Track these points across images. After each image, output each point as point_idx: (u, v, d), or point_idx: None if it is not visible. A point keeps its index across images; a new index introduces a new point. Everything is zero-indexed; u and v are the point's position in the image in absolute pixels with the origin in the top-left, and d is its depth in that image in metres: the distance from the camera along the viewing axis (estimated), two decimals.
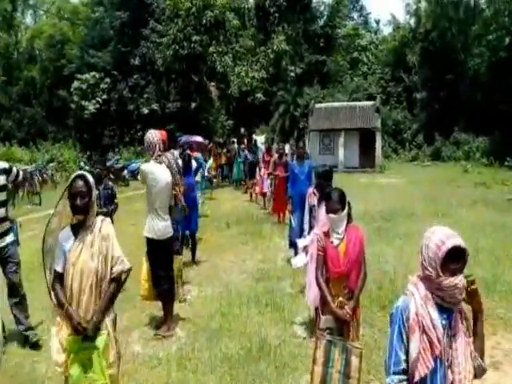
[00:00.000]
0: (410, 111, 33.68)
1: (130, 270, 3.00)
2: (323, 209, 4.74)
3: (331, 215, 3.46)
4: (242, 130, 31.16)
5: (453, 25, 31.14)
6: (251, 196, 14.37)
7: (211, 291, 6.09)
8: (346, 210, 3.52)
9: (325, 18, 33.75)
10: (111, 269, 2.87)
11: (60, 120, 33.92)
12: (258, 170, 13.71)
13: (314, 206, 5.70)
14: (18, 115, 35.04)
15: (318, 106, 27.29)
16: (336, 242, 3.45)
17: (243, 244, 8.85)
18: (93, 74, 28.95)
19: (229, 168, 20.08)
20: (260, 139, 23.03)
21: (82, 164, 19.63)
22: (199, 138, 10.50)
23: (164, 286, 4.74)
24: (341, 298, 3.37)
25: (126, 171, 19.79)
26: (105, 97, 29.14)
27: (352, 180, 17.65)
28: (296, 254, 7.54)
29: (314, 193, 5.85)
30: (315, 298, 4.41)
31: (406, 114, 33.47)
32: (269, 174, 11.40)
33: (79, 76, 28.89)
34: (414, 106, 33.64)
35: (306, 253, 4.89)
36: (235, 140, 23.47)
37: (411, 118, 33.16)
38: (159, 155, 4.81)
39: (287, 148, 19.21)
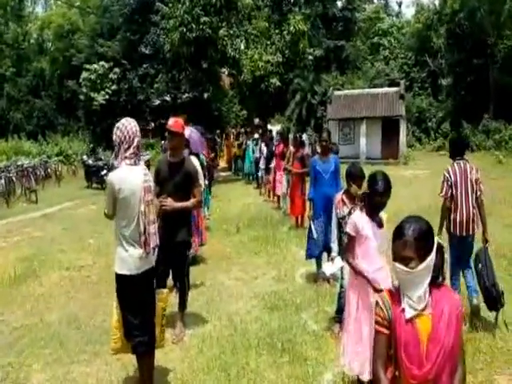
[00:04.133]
0: (435, 98, 31.71)
1: None
2: (369, 227, 3.33)
3: (403, 269, 1.83)
4: (257, 120, 29.75)
5: (482, 4, 28.82)
6: (269, 192, 13.02)
7: (211, 327, 4.73)
8: (432, 255, 1.88)
9: (343, 0, 31.99)
10: None
11: (70, 112, 33.01)
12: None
13: (343, 218, 4.36)
14: (27, 107, 34.26)
15: (336, 93, 25.73)
16: (410, 314, 1.86)
17: (255, 254, 7.51)
18: (102, 63, 27.79)
19: (242, 161, 18.81)
20: (276, 129, 21.64)
21: (84, 157, 18.42)
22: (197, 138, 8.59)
23: (139, 338, 3.35)
24: None
25: None
26: (114, 87, 27.93)
27: None
28: (318, 268, 6.18)
29: (343, 200, 4.53)
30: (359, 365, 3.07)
31: (431, 100, 31.52)
32: (284, 170, 10.00)
33: (88, 66, 27.76)
34: (440, 92, 31.66)
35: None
36: (245, 130, 22.11)
37: (437, 105, 31.21)
38: (135, 153, 3.44)
39: (305, 138, 17.77)
